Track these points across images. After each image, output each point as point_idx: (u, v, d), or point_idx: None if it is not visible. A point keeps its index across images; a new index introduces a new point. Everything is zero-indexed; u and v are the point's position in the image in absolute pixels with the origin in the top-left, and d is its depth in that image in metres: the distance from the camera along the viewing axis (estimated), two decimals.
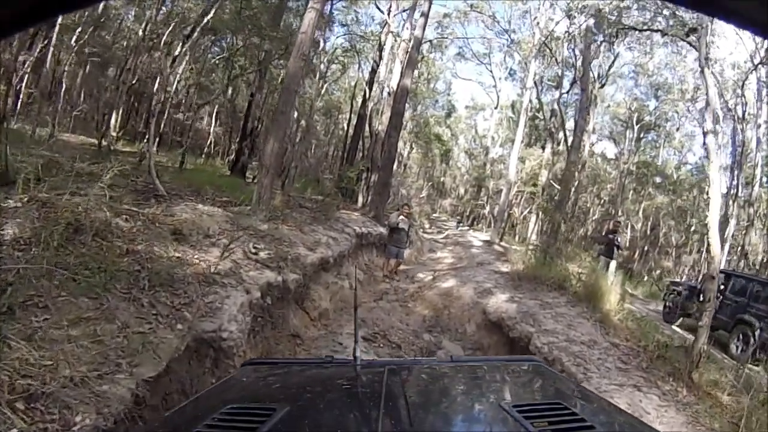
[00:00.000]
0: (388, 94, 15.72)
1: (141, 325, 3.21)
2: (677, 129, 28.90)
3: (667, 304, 12.43)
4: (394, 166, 30.02)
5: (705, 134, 7.39)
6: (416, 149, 31.99)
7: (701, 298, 10.04)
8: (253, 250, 5.82)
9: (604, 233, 11.14)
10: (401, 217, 10.32)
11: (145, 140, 9.73)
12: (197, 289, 4.09)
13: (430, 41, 30.76)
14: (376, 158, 15.03)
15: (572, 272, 9.26)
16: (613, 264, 10.70)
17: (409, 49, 14.42)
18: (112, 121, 13.05)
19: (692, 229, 27.18)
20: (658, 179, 25.71)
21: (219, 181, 10.10)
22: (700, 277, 14.30)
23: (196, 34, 12.10)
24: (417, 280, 10.46)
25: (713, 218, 6.36)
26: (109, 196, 4.41)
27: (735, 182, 19.96)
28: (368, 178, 15.86)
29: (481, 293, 7.88)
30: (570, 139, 11.91)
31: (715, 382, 5.20)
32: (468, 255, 14.44)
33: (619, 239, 10.71)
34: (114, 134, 12.68)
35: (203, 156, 18.12)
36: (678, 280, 14.15)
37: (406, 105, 32.27)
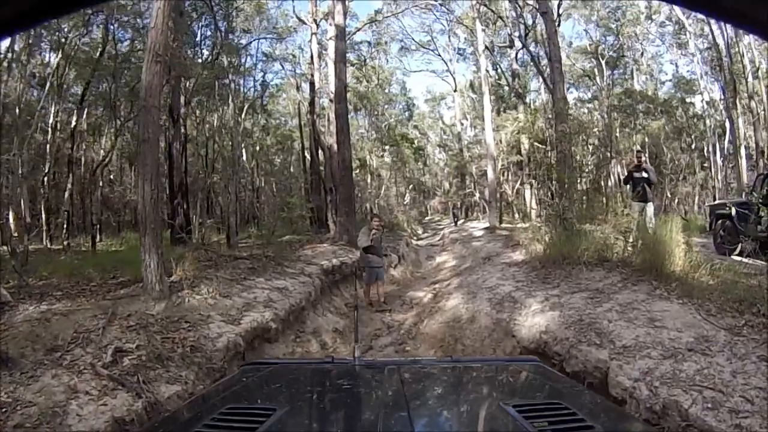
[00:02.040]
0: (330, 100, 13.55)
1: None
2: (641, 54, 27.34)
3: (719, 233, 9.94)
4: (369, 180, 28.10)
5: None
6: (385, 156, 29.85)
7: (760, 212, 7.69)
8: (110, 359, 3.45)
9: (627, 173, 8.82)
10: (373, 231, 7.92)
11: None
12: None
13: (369, 42, 29.40)
14: (335, 174, 12.76)
15: (608, 234, 6.96)
16: (650, 207, 8.37)
17: (335, 41, 12.27)
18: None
19: (692, 146, 25.21)
20: (642, 107, 23.59)
21: (132, 257, 7.73)
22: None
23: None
24: (414, 303, 8.07)
25: None
26: None
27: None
28: (334, 199, 13.54)
29: (501, 304, 5.48)
30: (548, 89, 9.71)
31: None
32: (470, 251, 12.07)
33: (648, 174, 8.40)
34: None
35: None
36: (719, 202, 11.67)
37: (363, 114, 30.92)
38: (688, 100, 25.44)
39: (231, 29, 15.59)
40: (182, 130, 13.81)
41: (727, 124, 21.39)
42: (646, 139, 24.11)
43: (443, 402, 1.40)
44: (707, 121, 23.79)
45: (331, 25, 12.83)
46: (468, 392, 1.54)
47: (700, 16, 18.26)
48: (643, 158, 8.64)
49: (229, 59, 12.71)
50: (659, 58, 28.16)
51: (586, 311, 4.39)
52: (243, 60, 19.62)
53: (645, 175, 8.40)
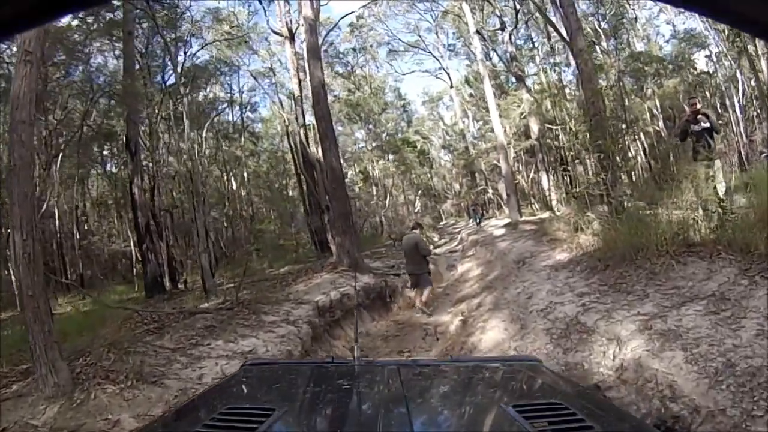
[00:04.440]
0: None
1: None
2: (635, 20, 25.60)
3: None
4: (374, 191, 26.42)
5: None
6: (389, 164, 28.25)
7: None
8: None
9: (680, 127, 6.92)
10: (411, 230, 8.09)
11: None
12: None
13: (355, 49, 28.19)
14: (329, 190, 11.05)
15: (688, 205, 5.14)
16: (717, 164, 6.48)
17: (306, 36, 10.67)
18: None
19: (710, 101, 23.20)
20: (651, 69, 21.64)
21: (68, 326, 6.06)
22: None
23: None
24: (440, 334, 6.25)
25: None
26: None
27: None
28: (331, 218, 11.81)
29: (566, 337, 3.62)
30: (564, 41, 7.90)
31: None
32: (497, 253, 10.22)
33: (710, 122, 6.53)
34: None
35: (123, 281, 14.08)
36: None
37: (359, 125, 29.41)
38: (693, 57, 23.66)
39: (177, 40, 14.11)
40: (152, 163, 12.28)
41: (738, 75, 19.62)
42: (657, 104, 22.27)
43: (443, 402, 1.34)
44: (719, 74, 21.97)
45: (301, 20, 11.28)
46: (468, 392, 1.49)
47: None
48: (699, 104, 6.77)
49: (182, 75, 11.21)
50: (654, 19, 26.42)
51: (726, 341, 2.57)
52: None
53: (705, 124, 6.52)
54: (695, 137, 6.49)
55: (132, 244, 14.73)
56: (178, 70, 10.88)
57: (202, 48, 15.30)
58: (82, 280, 15.88)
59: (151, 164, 12.53)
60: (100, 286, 14.81)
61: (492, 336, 4.53)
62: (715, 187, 5.62)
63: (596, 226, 6.66)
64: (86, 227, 17.21)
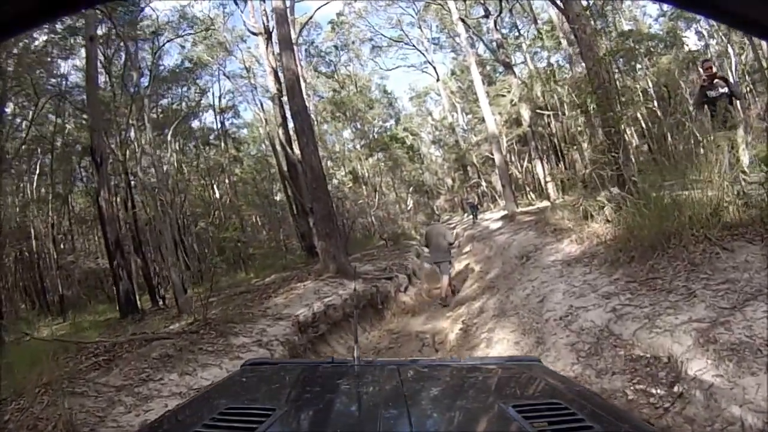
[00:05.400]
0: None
1: None
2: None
3: None
4: (364, 191, 25.61)
5: None
6: (378, 161, 27.51)
7: None
8: None
9: (697, 94, 6.18)
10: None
11: None
12: None
13: (337, 47, 27.57)
14: (309, 190, 10.24)
15: (715, 181, 4.43)
16: (740, 133, 5.75)
17: (276, 27, 9.90)
18: None
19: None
20: (642, 48, 21.00)
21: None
22: None
23: None
24: (438, 344, 5.49)
25: None
26: None
27: None
28: (315, 221, 11.00)
29: (598, 354, 2.84)
30: (557, 7, 7.12)
31: None
32: (496, 249, 9.52)
33: (729, 86, 5.82)
34: None
35: (107, 300, 13.20)
36: None
37: (345, 125, 28.64)
38: (683, 35, 23.13)
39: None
40: (124, 174, 11.43)
41: (729, 50, 19.16)
42: (649, 84, 21.70)
43: (443, 402, 1.35)
44: (710, 51, 21.46)
45: (272, 12, 10.50)
46: (468, 392, 1.45)
47: None
48: (714, 67, 6.05)
49: (152, 79, 10.41)
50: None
51: None
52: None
53: (723, 89, 5.81)
54: (712, 103, 5.78)
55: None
56: (146, 73, 10.05)
57: (168, 42, 14.42)
58: (62, 301, 15.03)
59: (123, 175, 11.70)
60: (80, 307, 13.97)
61: (501, 351, 3.77)
62: (738, 159, 4.94)
63: (609, 212, 5.94)
64: (63, 246, 16.30)
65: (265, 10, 15.30)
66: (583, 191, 7.18)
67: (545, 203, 16.15)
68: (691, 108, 6.63)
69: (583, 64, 6.99)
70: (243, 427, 1.00)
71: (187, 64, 16.84)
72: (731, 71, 19.83)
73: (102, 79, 12.02)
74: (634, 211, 4.95)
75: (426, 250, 9.06)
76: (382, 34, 27.88)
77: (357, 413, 1.26)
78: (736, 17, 0.52)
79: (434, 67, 29.81)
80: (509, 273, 6.62)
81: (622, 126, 5.72)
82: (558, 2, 6.60)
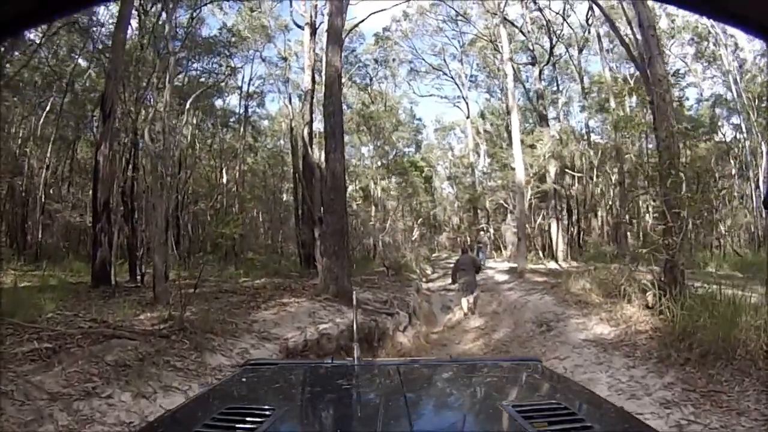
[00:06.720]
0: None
1: None
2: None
3: None
4: (373, 212, 24.98)
5: None
6: (392, 185, 27.02)
7: None
8: None
9: None
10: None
11: None
12: None
13: (377, 60, 27.35)
14: (324, 200, 9.59)
15: None
16: None
17: (330, 18, 9.41)
18: None
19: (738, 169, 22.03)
20: (681, 126, 20.64)
21: None
22: None
23: None
24: None
25: None
26: None
27: None
28: (323, 232, 10.31)
29: None
30: (639, 68, 6.56)
31: None
32: (506, 306, 8.82)
33: None
34: None
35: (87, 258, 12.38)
36: None
37: (368, 138, 28.23)
38: (719, 123, 22.74)
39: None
40: (131, 134, 10.80)
41: (763, 147, 18.53)
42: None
43: (443, 402, 1.33)
44: (746, 144, 20.99)
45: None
46: (468, 392, 1.46)
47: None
48: None
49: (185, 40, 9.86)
50: (681, 79, 25.44)
51: None
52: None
53: None
54: None
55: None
56: (180, 33, 9.53)
57: (211, 2, 14.00)
58: (38, 249, 14.26)
59: (131, 134, 11.07)
60: (57, 259, 13.16)
61: None
62: None
63: (651, 298, 5.29)
64: (52, 191, 15.58)
65: (316, 5, 15.04)
66: (623, 265, 6.54)
67: (553, 264, 15.54)
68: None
69: (654, 138, 6.43)
70: (243, 427, 0.99)
71: (225, 34, 16.37)
72: (761, 168, 19.32)
73: (134, 24, 11.52)
74: (691, 304, 4.32)
75: (455, 284, 10.11)
76: (422, 59, 27.69)
77: (357, 413, 1.25)
78: (736, 17, 0.52)
79: (467, 104, 29.57)
80: (525, 340, 5.93)
81: (685, 211, 5.08)
82: (641, 61, 6.06)
